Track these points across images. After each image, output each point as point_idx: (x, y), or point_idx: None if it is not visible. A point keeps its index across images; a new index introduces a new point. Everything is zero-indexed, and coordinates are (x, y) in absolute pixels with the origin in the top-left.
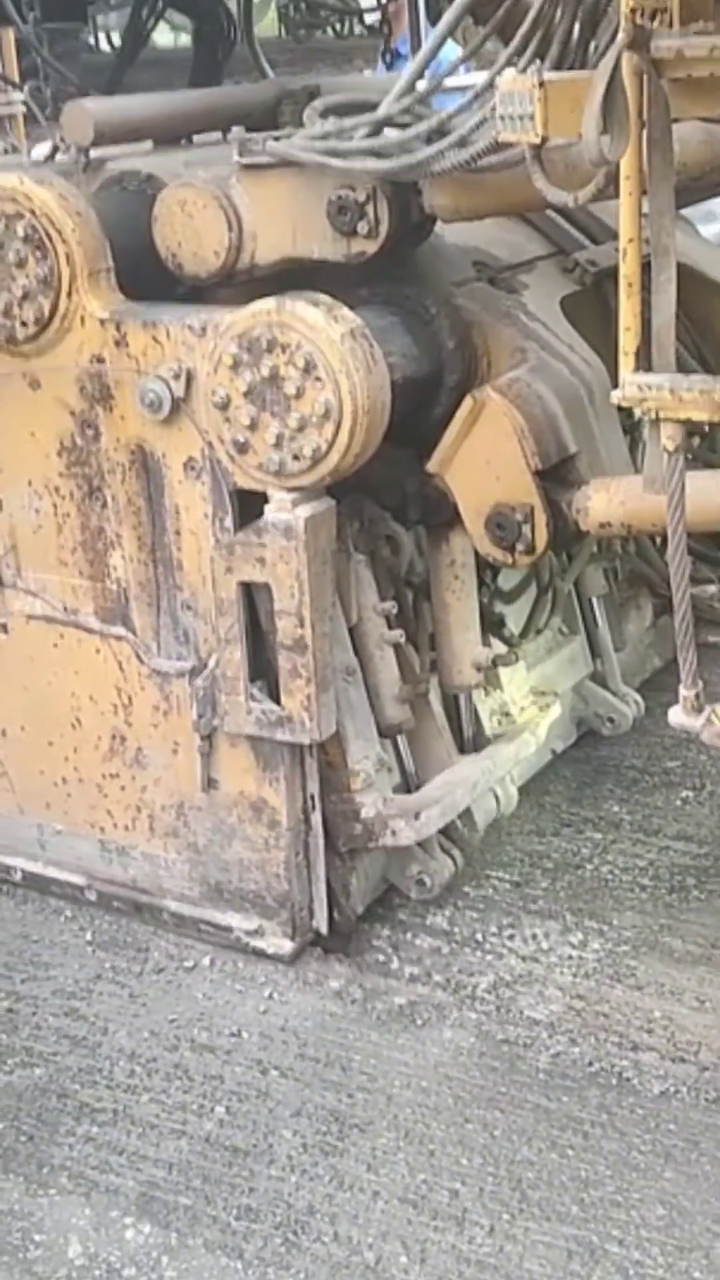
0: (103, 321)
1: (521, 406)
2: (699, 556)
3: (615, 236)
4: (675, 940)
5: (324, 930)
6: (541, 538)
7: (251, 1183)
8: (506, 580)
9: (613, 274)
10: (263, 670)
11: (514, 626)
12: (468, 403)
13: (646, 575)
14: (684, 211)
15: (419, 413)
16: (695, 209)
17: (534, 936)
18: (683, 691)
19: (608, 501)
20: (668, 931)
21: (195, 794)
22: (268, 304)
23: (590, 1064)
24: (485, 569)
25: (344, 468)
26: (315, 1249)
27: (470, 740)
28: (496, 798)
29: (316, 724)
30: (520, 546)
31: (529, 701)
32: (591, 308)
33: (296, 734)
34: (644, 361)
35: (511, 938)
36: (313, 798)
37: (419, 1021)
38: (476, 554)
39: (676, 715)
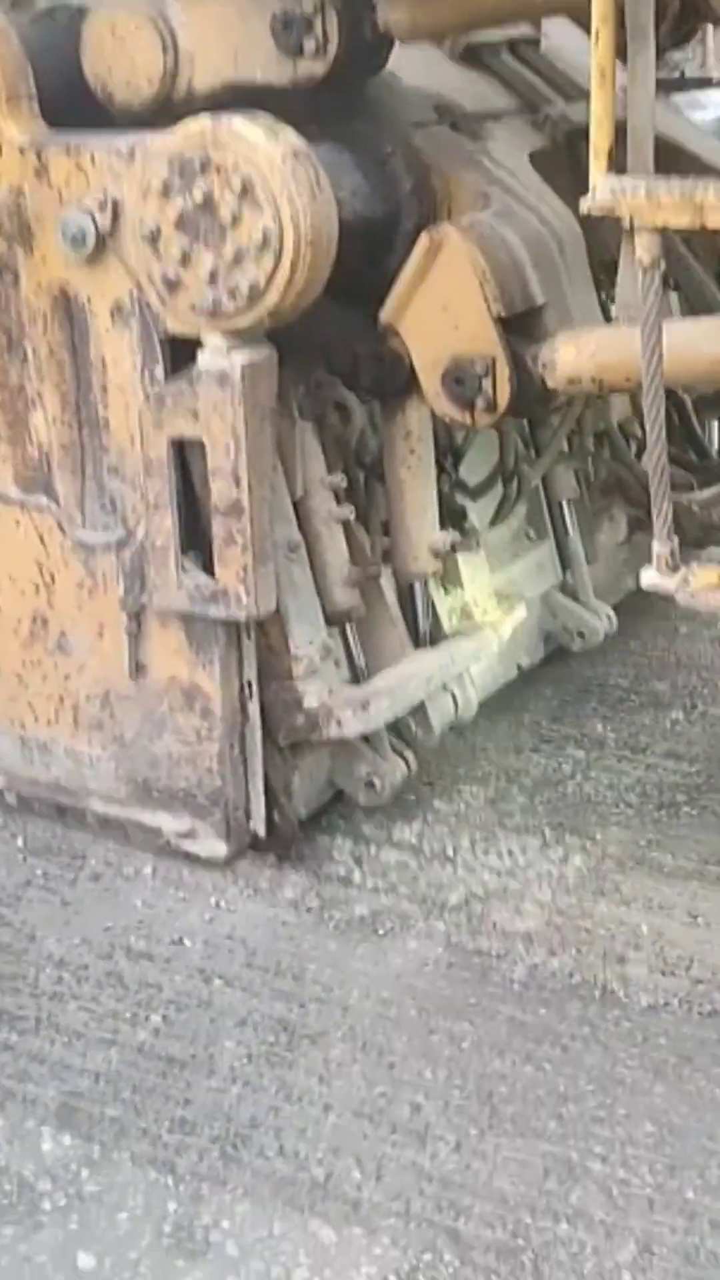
0: (22, 150)
1: (483, 247)
2: (677, 463)
3: (588, 95)
4: (665, 856)
5: (262, 832)
6: (504, 393)
7: (188, 1094)
8: (470, 474)
9: (586, 132)
10: (197, 544)
11: (476, 521)
12: (423, 241)
13: (622, 479)
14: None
15: (372, 262)
16: (682, 96)
17: (510, 852)
18: (656, 548)
19: (577, 354)
20: (656, 847)
21: (122, 682)
22: (201, 121)
23: (571, 975)
24: (446, 456)
25: (285, 308)
26: (257, 1164)
27: (426, 635)
28: (455, 699)
29: (254, 598)
30: (480, 403)
31: (492, 604)
32: (562, 167)
33: (232, 609)
34: (617, 163)
35: (486, 852)
36: (250, 684)
37: (381, 931)
38: (436, 433)
39: (649, 575)
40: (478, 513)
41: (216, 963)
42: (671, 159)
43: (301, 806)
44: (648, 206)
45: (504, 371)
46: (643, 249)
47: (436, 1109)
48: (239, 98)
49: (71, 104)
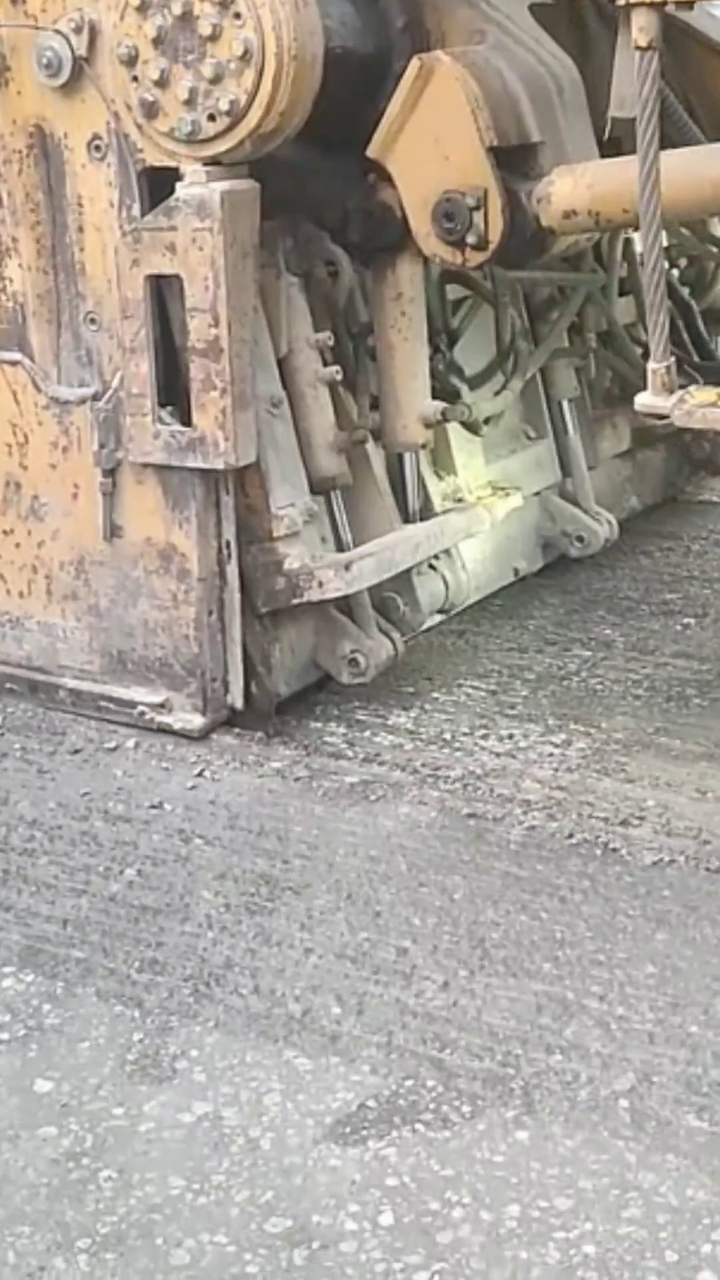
0: None
1: (476, 75)
2: (683, 368)
3: None
4: (673, 741)
5: (239, 705)
6: (496, 227)
7: (160, 938)
8: (467, 362)
9: None
10: (176, 399)
11: (472, 408)
12: (414, 67)
13: (625, 376)
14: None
15: (362, 103)
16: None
17: (510, 736)
18: (651, 366)
19: (574, 186)
20: (664, 734)
21: (97, 545)
22: None
23: (570, 836)
24: (441, 336)
25: (267, 131)
26: (230, 1000)
27: (416, 512)
28: (446, 582)
29: (233, 445)
30: (471, 239)
31: (486, 491)
32: (563, 21)
33: (210, 458)
34: None
35: (485, 737)
36: (229, 544)
37: (371, 798)
38: (430, 312)
39: (644, 396)
40: (474, 403)
41: (197, 825)
42: (694, 54)
43: (282, 682)
44: None
45: (496, 203)
46: (638, 29)
47: (424, 952)
48: None
49: None
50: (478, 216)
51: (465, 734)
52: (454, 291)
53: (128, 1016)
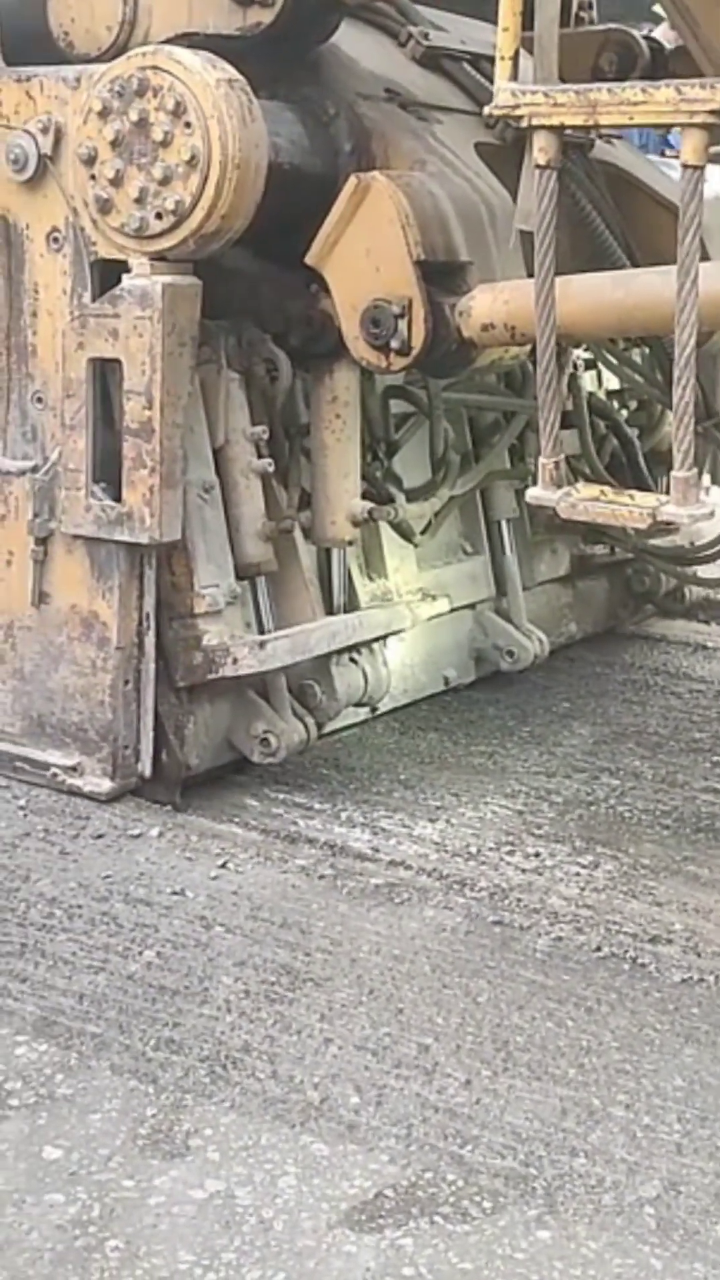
0: None
1: (409, 194)
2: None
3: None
4: (701, 869)
5: (147, 773)
6: (418, 335)
7: (178, 1019)
8: (407, 476)
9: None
10: (111, 477)
11: (410, 521)
12: (351, 183)
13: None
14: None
15: (309, 218)
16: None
17: (536, 854)
18: (542, 461)
19: (492, 301)
20: (692, 862)
21: (26, 611)
22: (145, 49)
23: (598, 949)
24: (380, 444)
25: (209, 232)
26: (247, 1083)
27: (341, 606)
28: (366, 676)
29: (158, 521)
30: (395, 344)
31: (416, 598)
32: (508, 165)
33: (135, 532)
34: (516, 72)
35: (511, 853)
36: (149, 616)
37: (397, 900)
38: (372, 422)
39: (534, 490)
40: (401, 507)
41: (219, 913)
42: (625, 195)
43: (194, 755)
44: (545, 107)
45: (420, 313)
46: (539, 149)
47: (446, 1050)
48: (193, 48)
49: (34, 52)
50: (402, 324)
51: (491, 849)
52: (398, 407)
53: (141, 1091)
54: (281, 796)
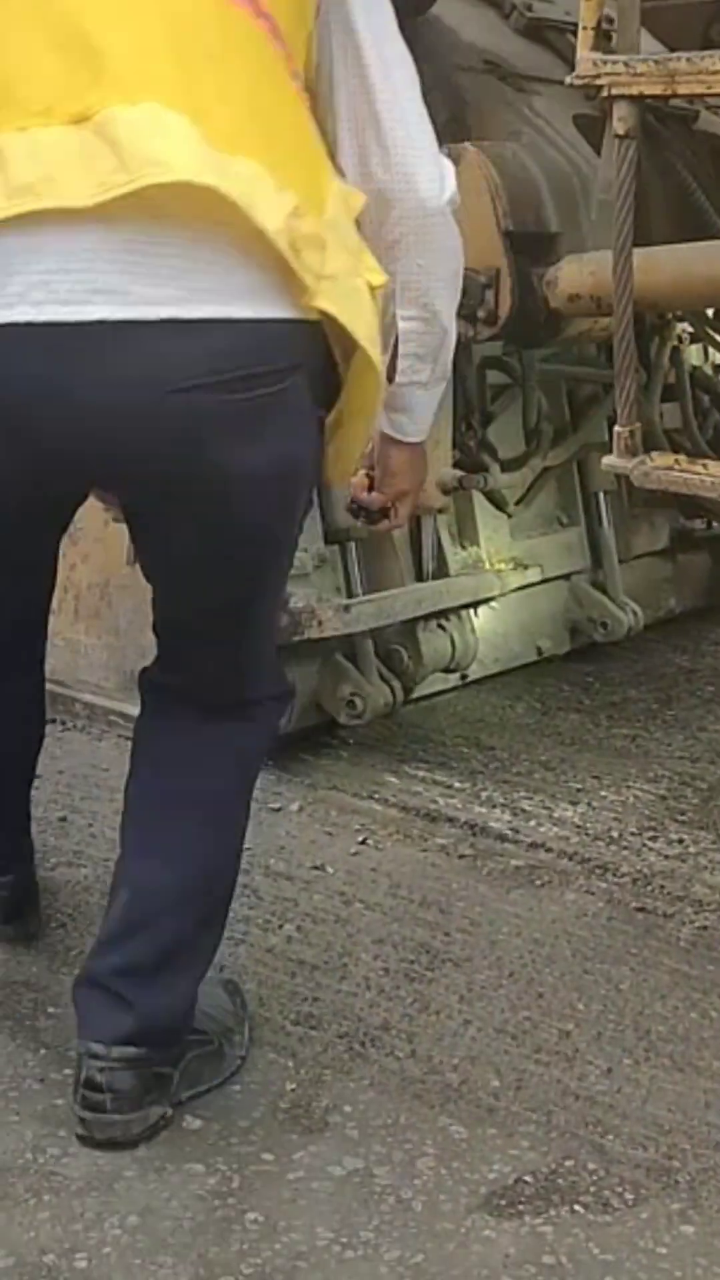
0: None
1: (499, 165)
2: None
3: None
4: None
5: None
6: (505, 304)
7: (317, 994)
8: (502, 447)
9: None
10: None
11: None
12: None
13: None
14: None
15: None
16: None
17: (680, 840)
18: (617, 429)
19: (578, 271)
20: None
21: (122, 570)
22: None
23: None
24: (475, 412)
25: None
26: (386, 1061)
27: (430, 574)
28: (453, 642)
29: None
30: (481, 314)
31: (508, 566)
32: (605, 134)
33: None
34: (604, 42)
35: (654, 839)
36: None
37: (537, 883)
38: (468, 390)
39: (610, 458)
40: (505, 488)
41: (358, 889)
42: None
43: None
44: (625, 76)
45: (506, 283)
46: (619, 119)
47: (587, 1037)
48: None
49: None
50: (489, 294)
51: (633, 834)
52: (495, 378)
53: (280, 1065)
54: (421, 774)
